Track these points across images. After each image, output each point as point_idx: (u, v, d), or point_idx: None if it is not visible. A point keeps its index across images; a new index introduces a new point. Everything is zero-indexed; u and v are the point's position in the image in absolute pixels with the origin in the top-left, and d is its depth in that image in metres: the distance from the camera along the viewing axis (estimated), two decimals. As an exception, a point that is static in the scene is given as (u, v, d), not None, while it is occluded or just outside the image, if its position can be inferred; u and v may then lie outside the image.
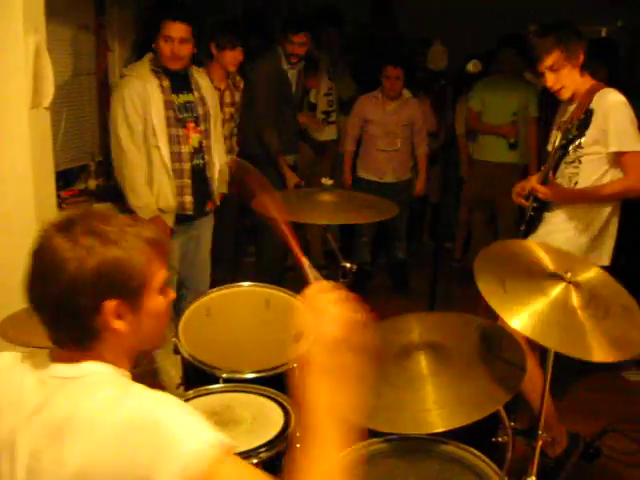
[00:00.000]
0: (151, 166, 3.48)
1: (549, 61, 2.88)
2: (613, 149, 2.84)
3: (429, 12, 6.54)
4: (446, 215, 5.34)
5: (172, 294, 1.45)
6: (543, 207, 3.07)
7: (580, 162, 2.93)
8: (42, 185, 3.16)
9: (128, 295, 1.32)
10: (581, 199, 2.95)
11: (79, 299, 1.28)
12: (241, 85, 4.49)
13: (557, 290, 2.01)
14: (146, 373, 1.35)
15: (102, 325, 1.31)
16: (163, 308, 1.41)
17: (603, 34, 6.35)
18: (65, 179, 3.97)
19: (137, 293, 1.33)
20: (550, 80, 2.93)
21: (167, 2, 3.72)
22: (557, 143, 2.87)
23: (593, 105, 2.86)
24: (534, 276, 2.09)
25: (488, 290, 2.00)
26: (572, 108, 3.00)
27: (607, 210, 3.00)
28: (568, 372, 3.76)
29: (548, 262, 2.18)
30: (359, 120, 5.24)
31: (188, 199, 3.60)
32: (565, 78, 2.91)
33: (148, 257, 1.34)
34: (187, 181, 3.58)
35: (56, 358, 1.35)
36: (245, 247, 5.52)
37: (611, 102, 2.84)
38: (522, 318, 1.92)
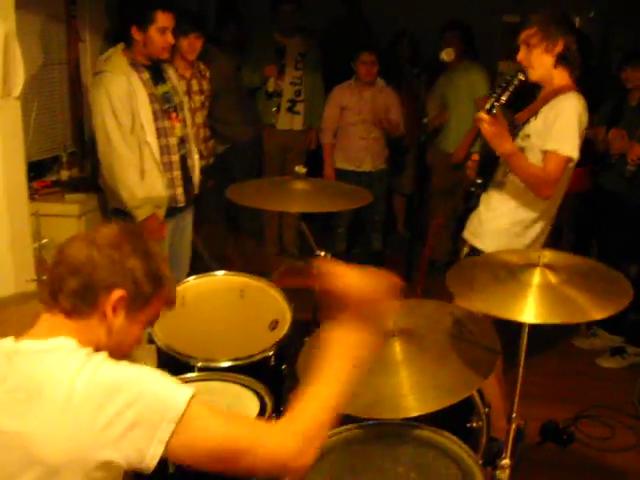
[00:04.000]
0: (142, 162, 3.42)
1: (525, 34, 2.87)
2: (548, 148, 2.81)
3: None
4: (421, 205, 5.32)
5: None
6: (485, 184, 3.08)
7: (523, 151, 2.90)
8: (13, 176, 3.11)
9: (133, 300, 1.48)
10: (508, 153, 2.81)
11: (103, 272, 1.44)
12: (207, 74, 4.43)
13: (536, 275, 2.01)
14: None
15: (101, 304, 1.45)
16: (140, 336, 1.58)
17: (576, 25, 6.38)
18: (37, 170, 3.94)
19: (138, 306, 1.50)
20: (521, 54, 2.90)
21: None
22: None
23: (551, 103, 2.85)
24: (510, 273, 2.09)
25: (478, 301, 2.02)
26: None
27: (543, 205, 2.97)
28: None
29: (514, 258, 2.20)
30: (337, 110, 5.23)
31: (180, 191, 3.60)
32: (535, 59, 2.87)
33: (162, 293, 1.54)
34: (177, 173, 3.57)
35: (23, 337, 1.44)
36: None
37: (566, 105, 2.82)
38: (524, 310, 1.92)
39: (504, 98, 2.70)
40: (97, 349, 1.46)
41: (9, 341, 1.43)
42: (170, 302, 1.60)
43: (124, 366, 1.39)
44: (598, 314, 1.91)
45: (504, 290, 2.02)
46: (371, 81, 5.14)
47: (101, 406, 1.31)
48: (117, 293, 1.44)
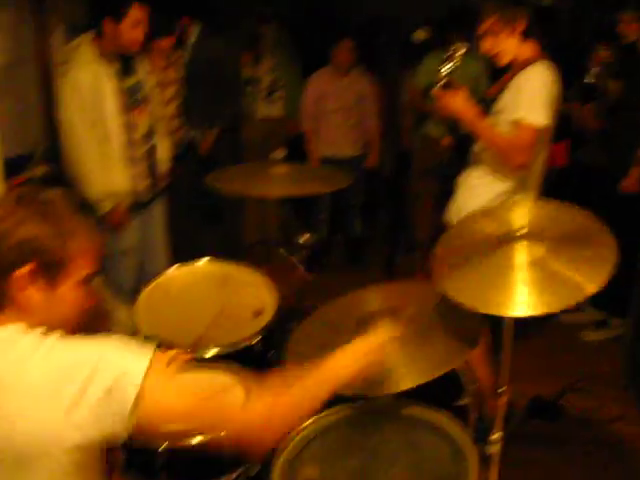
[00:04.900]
0: (105, 156, 3.38)
1: (486, 25, 2.91)
2: (516, 117, 2.83)
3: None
4: (401, 187, 5.31)
5: (93, 300, 1.51)
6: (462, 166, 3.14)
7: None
8: (-10, 173, 3.07)
9: (45, 269, 1.38)
10: (470, 121, 2.90)
11: None
12: (181, 60, 4.40)
13: (518, 252, 1.94)
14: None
15: (14, 287, 1.37)
16: (78, 301, 1.46)
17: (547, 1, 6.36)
18: (11, 167, 3.87)
19: (54, 272, 1.39)
20: (487, 44, 2.94)
21: None
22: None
23: (518, 75, 2.88)
24: (489, 252, 2.00)
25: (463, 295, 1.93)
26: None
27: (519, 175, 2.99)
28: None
29: (490, 226, 2.12)
30: (314, 97, 5.20)
31: (144, 185, 3.57)
32: (502, 43, 2.91)
33: (78, 247, 1.41)
34: (141, 168, 3.54)
35: None
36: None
37: (531, 75, 2.85)
38: (514, 303, 1.82)
39: (444, 72, 2.81)
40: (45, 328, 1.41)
41: None
42: (94, 248, 1.46)
43: (79, 342, 1.34)
44: (592, 288, 1.78)
45: (486, 277, 1.92)
46: (349, 68, 5.12)
47: (59, 389, 1.27)
48: (18, 273, 1.35)
